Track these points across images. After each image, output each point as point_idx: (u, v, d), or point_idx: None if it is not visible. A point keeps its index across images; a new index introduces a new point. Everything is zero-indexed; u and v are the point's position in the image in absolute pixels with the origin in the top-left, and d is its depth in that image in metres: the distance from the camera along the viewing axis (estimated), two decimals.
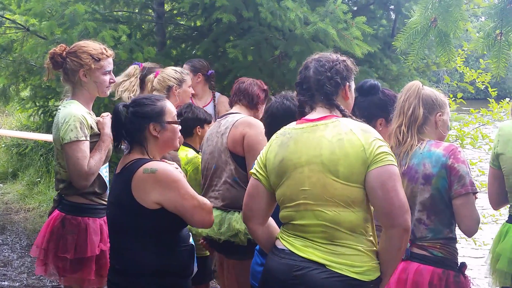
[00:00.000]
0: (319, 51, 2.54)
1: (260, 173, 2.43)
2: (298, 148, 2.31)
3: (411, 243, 2.64)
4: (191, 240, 2.71)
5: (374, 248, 2.30)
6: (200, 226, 2.70)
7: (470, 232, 2.63)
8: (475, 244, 5.62)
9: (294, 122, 2.44)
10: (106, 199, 3.18)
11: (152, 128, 2.59)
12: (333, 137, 2.25)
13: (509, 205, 3.03)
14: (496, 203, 3.10)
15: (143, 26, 5.98)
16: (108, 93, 3.30)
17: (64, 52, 3.18)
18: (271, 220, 2.52)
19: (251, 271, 2.88)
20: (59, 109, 3.17)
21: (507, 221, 3.01)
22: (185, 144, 3.98)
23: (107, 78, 3.21)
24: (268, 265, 2.39)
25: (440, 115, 2.73)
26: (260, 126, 3.25)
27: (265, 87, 3.57)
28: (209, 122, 4.02)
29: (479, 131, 6.75)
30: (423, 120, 2.70)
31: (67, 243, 3.10)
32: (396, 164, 2.23)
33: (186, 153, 3.93)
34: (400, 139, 2.70)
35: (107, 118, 3.20)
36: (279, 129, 2.48)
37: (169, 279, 2.56)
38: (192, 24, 6.36)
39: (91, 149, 3.10)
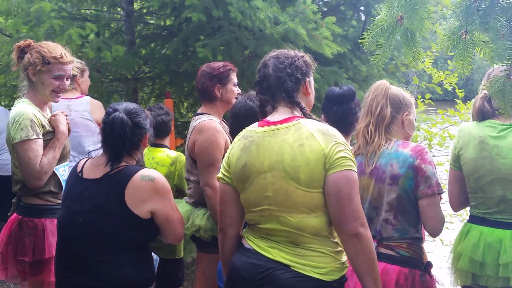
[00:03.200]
0: None
1: (227, 176, 2.39)
2: (261, 153, 2.28)
3: (378, 243, 2.64)
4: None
5: (339, 249, 2.31)
6: (175, 241, 2.67)
7: (435, 232, 2.64)
8: (442, 244, 5.69)
9: (256, 124, 2.40)
10: None
11: (146, 138, 2.58)
12: (294, 142, 2.23)
13: (469, 206, 3.06)
14: (457, 205, 3.13)
15: (111, 25, 5.90)
16: (58, 100, 3.24)
17: (27, 48, 3.13)
18: None
19: (218, 271, 2.87)
20: (12, 109, 3.11)
21: (468, 221, 3.04)
22: (159, 145, 3.95)
23: (55, 82, 3.13)
24: (234, 264, 2.37)
25: (406, 115, 2.75)
26: (210, 130, 3.27)
27: (219, 68, 3.43)
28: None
29: (447, 132, 6.85)
30: (390, 119, 2.71)
31: (25, 246, 3.03)
32: (355, 169, 2.22)
33: (166, 154, 3.92)
34: (367, 139, 2.70)
35: (60, 115, 3.15)
36: (242, 129, 2.44)
37: None
38: (162, 23, 6.31)
39: (45, 147, 3.03)
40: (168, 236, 2.59)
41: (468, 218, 3.07)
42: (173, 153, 3.94)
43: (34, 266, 3.06)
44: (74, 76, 4.04)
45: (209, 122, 3.34)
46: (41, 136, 3.01)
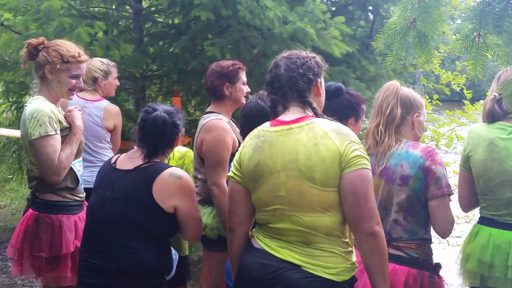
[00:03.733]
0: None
1: (237, 175, 2.39)
2: (274, 153, 2.28)
3: (387, 244, 2.61)
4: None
5: (350, 249, 2.31)
6: (193, 239, 2.85)
7: (444, 233, 2.65)
8: (448, 245, 5.68)
9: (268, 123, 2.40)
10: (80, 195, 3.22)
11: (179, 139, 2.77)
12: (308, 141, 2.22)
13: (479, 207, 3.05)
14: (466, 206, 3.12)
15: (120, 23, 5.91)
16: (72, 97, 3.30)
17: (41, 46, 3.15)
18: None
19: (226, 269, 2.87)
20: (26, 105, 3.13)
21: (477, 222, 3.03)
22: None
23: (72, 81, 3.16)
24: (244, 263, 2.37)
25: (417, 116, 2.75)
26: (218, 130, 3.28)
27: (228, 66, 3.44)
28: None
29: (454, 133, 6.84)
30: (400, 120, 2.71)
31: (42, 241, 3.07)
32: (370, 167, 2.23)
33: (176, 149, 4.00)
34: (377, 139, 2.71)
35: (75, 110, 3.20)
36: (252, 129, 2.44)
37: (159, 280, 2.68)
38: (170, 22, 6.31)
39: (62, 143, 3.06)
40: (187, 234, 2.77)
41: (477, 219, 3.06)
42: (183, 149, 4.04)
43: (50, 262, 3.10)
44: (96, 78, 4.07)
45: (217, 121, 3.34)
46: (58, 132, 3.05)
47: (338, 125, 2.29)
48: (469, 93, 7.26)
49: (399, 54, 2.13)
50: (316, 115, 2.33)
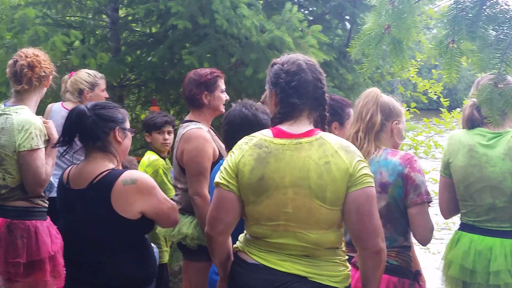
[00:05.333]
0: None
1: (233, 184, 2.25)
2: (281, 167, 2.18)
3: None
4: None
5: (346, 257, 2.33)
6: (170, 226, 2.81)
7: (424, 240, 2.64)
8: (430, 252, 5.70)
9: (269, 132, 2.27)
10: (47, 202, 3.24)
11: (117, 133, 2.54)
12: (319, 159, 2.16)
13: (460, 214, 3.06)
14: (447, 212, 3.12)
15: (97, 32, 5.86)
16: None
17: (40, 63, 3.24)
18: None
19: (209, 279, 2.83)
20: (9, 114, 3.11)
21: (458, 229, 3.03)
22: (151, 149, 4.24)
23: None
24: (241, 281, 2.28)
25: (396, 123, 2.75)
26: (198, 139, 3.27)
27: (206, 74, 3.43)
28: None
29: (432, 140, 6.90)
30: (380, 127, 2.71)
31: (18, 247, 3.05)
32: (373, 184, 2.20)
33: (148, 157, 4.15)
34: (356, 145, 2.69)
35: (50, 122, 3.25)
36: (236, 138, 2.37)
37: (147, 286, 2.61)
38: (148, 31, 6.28)
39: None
40: (162, 225, 2.74)
41: (457, 226, 3.07)
42: (154, 157, 4.14)
43: (27, 267, 3.08)
44: (82, 90, 4.09)
45: (197, 130, 3.31)
46: (43, 145, 3.13)
47: (345, 142, 2.25)
48: (446, 101, 7.33)
49: (375, 60, 2.13)
50: (323, 128, 2.30)
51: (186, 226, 3.30)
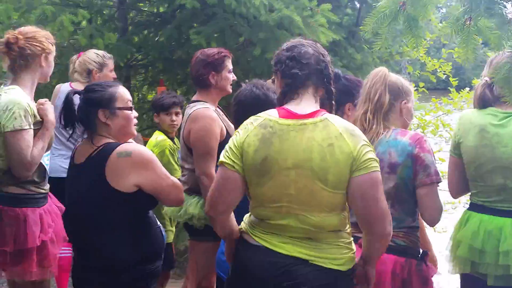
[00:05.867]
0: (284, 39, 2.46)
1: (238, 164, 2.23)
2: (284, 148, 2.16)
3: None
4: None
5: (351, 239, 2.32)
6: (174, 204, 2.83)
7: (433, 221, 2.63)
8: (434, 231, 5.70)
9: (275, 111, 2.25)
10: (44, 187, 3.14)
11: (102, 115, 2.53)
12: (323, 140, 2.14)
13: (469, 193, 3.05)
14: (456, 192, 3.10)
15: (104, 12, 5.81)
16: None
17: (20, 40, 3.07)
18: None
19: (217, 259, 2.84)
20: (0, 94, 3.03)
21: (468, 209, 3.01)
22: (159, 129, 4.24)
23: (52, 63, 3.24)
24: (243, 262, 2.30)
25: (405, 103, 2.73)
26: (205, 119, 3.26)
27: (214, 54, 3.42)
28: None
29: (440, 120, 6.86)
30: (388, 107, 2.69)
31: (6, 235, 2.96)
32: (379, 169, 2.20)
33: (156, 137, 4.15)
34: (365, 126, 2.68)
35: (47, 104, 3.12)
36: (247, 117, 2.34)
37: (150, 265, 2.58)
38: (155, 10, 6.22)
39: (34, 137, 3.00)
40: (165, 202, 2.72)
41: (468, 206, 3.05)
42: (161, 138, 4.13)
43: (14, 256, 2.99)
44: (90, 70, 4.09)
45: (204, 110, 3.30)
46: (32, 126, 2.98)
47: (350, 125, 2.23)
48: (454, 80, 7.28)
49: (389, 38, 2.10)
50: (331, 108, 2.29)
51: (193, 206, 3.31)
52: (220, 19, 4.96)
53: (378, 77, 2.72)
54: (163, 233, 2.72)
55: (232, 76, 3.46)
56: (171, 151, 4.15)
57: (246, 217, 2.40)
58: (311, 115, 2.21)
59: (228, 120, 3.40)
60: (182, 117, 3.77)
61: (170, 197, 2.59)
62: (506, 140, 2.82)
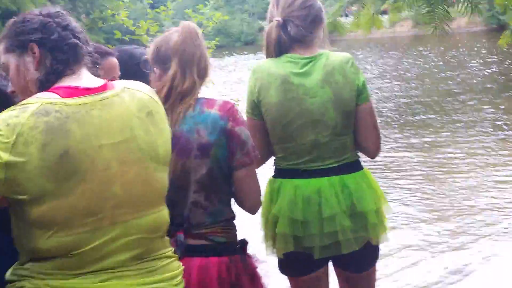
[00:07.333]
0: None
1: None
2: (92, 134, 1.63)
3: (186, 234, 2.09)
4: None
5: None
6: None
7: (255, 207, 2.23)
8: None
9: (51, 94, 1.65)
10: None
11: None
12: (139, 111, 1.74)
13: (274, 159, 2.57)
14: (260, 159, 2.59)
15: None
16: None
17: None
18: None
19: None
20: None
21: (274, 176, 2.54)
22: None
23: None
24: None
25: None
26: None
27: None
28: None
29: None
30: None
31: None
32: None
33: None
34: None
35: None
36: None
37: None
38: None
39: None
40: None
41: (273, 173, 2.55)
42: None
43: None
44: None
45: None
46: None
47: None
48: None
49: None
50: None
51: None
52: None
53: None
54: None
55: None
56: None
57: (17, 268, 1.66)
58: (104, 87, 1.70)
59: None
60: None
61: None
62: (313, 89, 2.40)
